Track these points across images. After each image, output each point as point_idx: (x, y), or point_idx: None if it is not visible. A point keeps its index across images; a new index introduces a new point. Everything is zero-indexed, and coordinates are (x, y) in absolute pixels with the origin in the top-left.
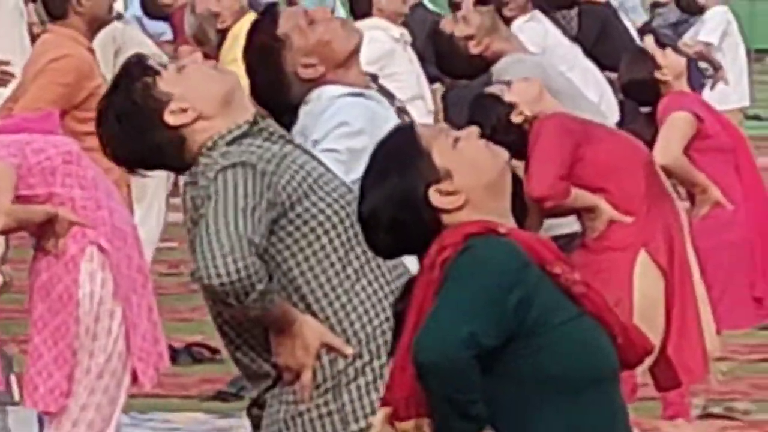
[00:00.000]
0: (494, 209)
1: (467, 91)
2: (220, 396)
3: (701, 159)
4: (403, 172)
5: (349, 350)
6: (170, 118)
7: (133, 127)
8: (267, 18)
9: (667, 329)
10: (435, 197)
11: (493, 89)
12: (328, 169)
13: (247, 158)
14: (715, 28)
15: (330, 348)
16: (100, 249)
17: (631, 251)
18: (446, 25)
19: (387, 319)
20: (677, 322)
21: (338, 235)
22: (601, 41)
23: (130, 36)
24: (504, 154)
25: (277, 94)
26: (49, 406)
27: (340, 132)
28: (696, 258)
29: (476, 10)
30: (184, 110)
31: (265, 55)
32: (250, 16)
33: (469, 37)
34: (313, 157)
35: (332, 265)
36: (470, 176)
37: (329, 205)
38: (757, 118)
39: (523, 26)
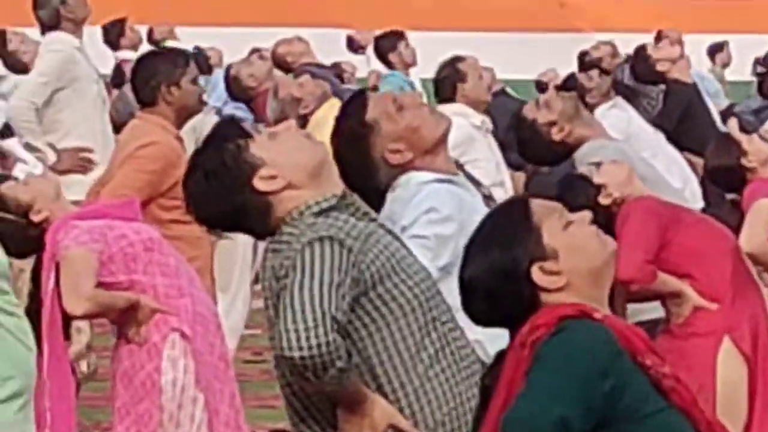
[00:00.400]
0: (594, 296)
1: (550, 178)
2: None
3: None
4: (510, 244)
5: None
6: (259, 184)
7: (221, 188)
8: (356, 103)
9: (750, 418)
10: (537, 275)
11: (582, 170)
12: (409, 252)
13: (335, 233)
14: None
15: (398, 430)
16: (183, 336)
17: (715, 338)
18: (528, 111)
19: (455, 408)
20: (760, 410)
21: (416, 319)
22: (685, 121)
23: (210, 126)
24: (612, 243)
25: (364, 178)
26: None
27: (429, 218)
28: None
29: (559, 95)
30: (273, 177)
31: (353, 140)
32: (333, 102)
33: (552, 123)
34: (396, 238)
35: (407, 348)
36: (576, 260)
37: (410, 288)
38: None
39: (606, 113)
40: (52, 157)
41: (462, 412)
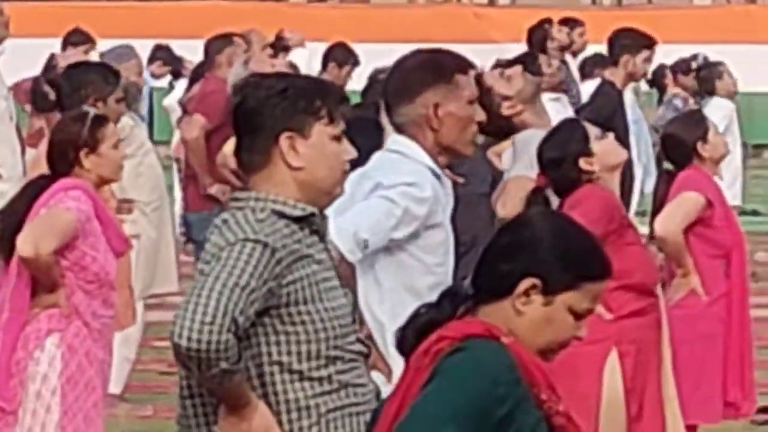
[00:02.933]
0: (534, 347)
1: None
2: None
3: (696, 244)
4: (551, 251)
5: None
6: (282, 142)
7: (271, 109)
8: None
9: None
10: (525, 284)
11: (591, 127)
12: (341, 286)
13: (272, 241)
14: (720, 121)
15: None
16: (66, 346)
17: (604, 346)
18: (489, 77)
19: None
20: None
21: (318, 349)
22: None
23: (135, 134)
24: (562, 350)
25: (396, 102)
26: None
27: (409, 191)
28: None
29: (524, 75)
30: (296, 153)
31: (428, 67)
32: None
33: (506, 98)
34: (337, 274)
35: (301, 370)
36: (539, 332)
37: (323, 321)
38: (755, 213)
39: (547, 102)
40: None
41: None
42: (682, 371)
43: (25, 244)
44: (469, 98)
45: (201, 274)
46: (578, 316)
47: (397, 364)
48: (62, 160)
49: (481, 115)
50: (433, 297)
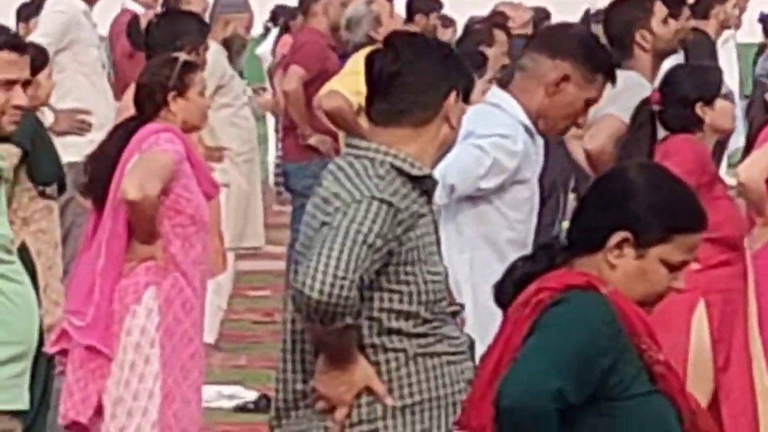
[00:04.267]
0: (631, 299)
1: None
2: None
3: None
4: (641, 197)
5: (389, 400)
6: (452, 102)
7: (433, 59)
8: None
9: (716, 391)
10: (615, 238)
11: (726, 83)
12: (439, 251)
13: (396, 201)
14: None
15: (372, 393)
16: (163, 300)
17: (692, 297)
18: (658, 4)
19: (429, 400)
20: (727, 384)
21: (417, 312)
22: None
23: (234, 85)
24: (655, 305)
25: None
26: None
27: (501, 142)
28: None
29: (676, 32)
30: (453, 113)
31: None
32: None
33: (651, 31)
34: (437, 239)
35: (401, 328)
36: (634, 283)
37: (425, 283)
38: None
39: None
40: (50, 117)
41: (437, 395)
42: (763, 322)
43: (131, 187)
44: (589, 98)
45: (325, 225)
46: (673, 267)
47: (472, 314)
48: (150, 102)
49: (583, 118)
50: (510, 251)
